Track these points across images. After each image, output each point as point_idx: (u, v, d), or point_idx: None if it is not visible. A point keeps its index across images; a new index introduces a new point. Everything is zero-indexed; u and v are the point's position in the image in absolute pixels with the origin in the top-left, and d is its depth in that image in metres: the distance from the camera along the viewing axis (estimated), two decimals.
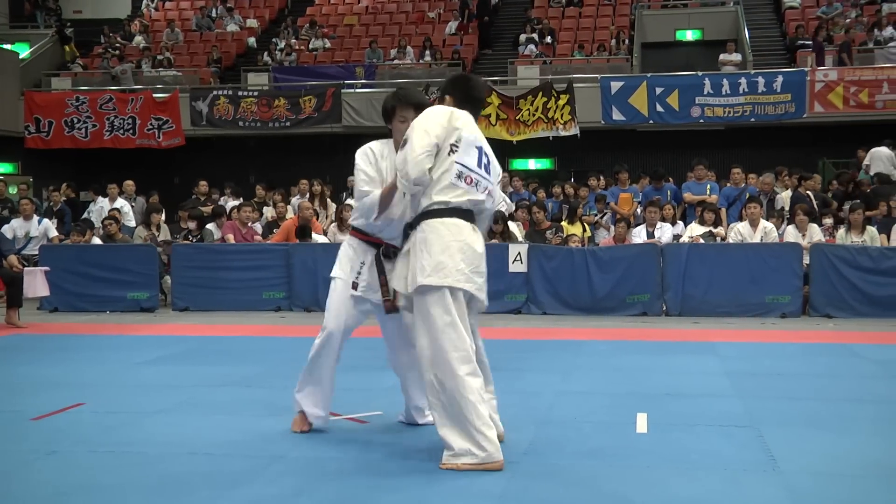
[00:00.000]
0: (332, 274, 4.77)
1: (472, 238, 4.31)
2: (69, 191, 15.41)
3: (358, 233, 4.76)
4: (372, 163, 4.68)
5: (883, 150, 14.09)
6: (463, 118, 4.40)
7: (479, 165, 4.38)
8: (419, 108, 4.59)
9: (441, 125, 4.29)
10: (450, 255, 4.22)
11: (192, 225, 11.96)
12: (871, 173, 13.66)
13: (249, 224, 11.81)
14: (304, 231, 11.11)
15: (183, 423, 5.14)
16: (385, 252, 4.64)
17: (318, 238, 11.15)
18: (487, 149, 4.46)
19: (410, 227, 4.39)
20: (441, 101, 4.57)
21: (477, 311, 4.45)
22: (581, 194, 13.19)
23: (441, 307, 4.20)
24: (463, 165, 4.31)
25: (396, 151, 4.61)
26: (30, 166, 19.86)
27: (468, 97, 4.56)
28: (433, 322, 4.20)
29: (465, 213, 4.33)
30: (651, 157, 17.99)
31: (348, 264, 4.74)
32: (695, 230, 11.03)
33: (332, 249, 10.12)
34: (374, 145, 4.76)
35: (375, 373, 6.13)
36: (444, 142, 4.28)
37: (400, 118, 4.65)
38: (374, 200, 4.56)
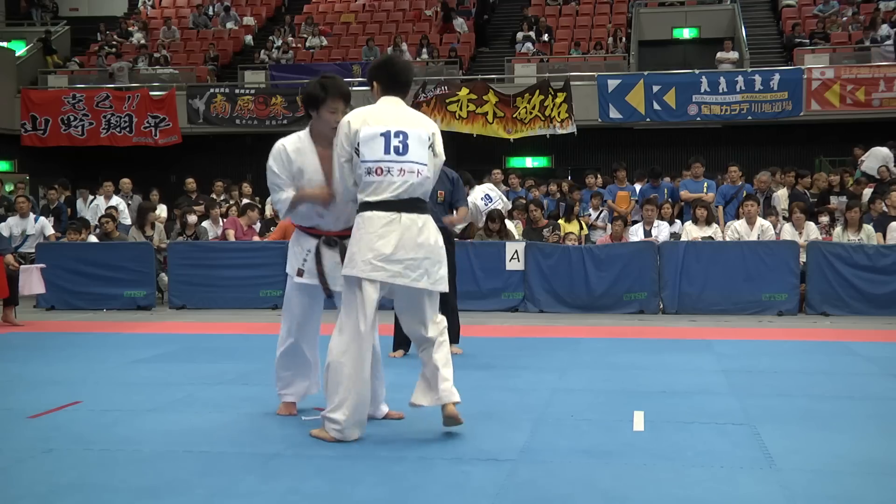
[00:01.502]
0: (286, 271, 4.96)
1: (387, 229, 4.40)
2: (63, 190, 15.38)
3: (296, 226, 4.95)
4: (283, 162, 4.75)
5: (881, 150, 14.12)
6: (363, 115, 4.51)
7: (388, 151, 4.44)
8: (347, 99, 4.72)
9: (342, 143, 4.50)
10: (358, 247, 4.41)
11: (192, 219, 11.96)
12: (863, 170, 13.72)
13: (253, 226, 11.87)
14: None
15: (179, 421, 5.14)
16: (326, 241, 4.79)
17: None
18: (402, 128, 4.49)
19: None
20: (372, 90, 4.70)
21: (423, 296, 4.55)
22: (574, 196, 13.16)
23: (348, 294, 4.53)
24: (369, 161, 4.43)
25: (322, 142, 4.74)
26: (26, 164, 19.85)
27: (394, 82, 4.65)
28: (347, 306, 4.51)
29: (390, 204, 4.42)
30: (648, 155, 18.02)
31: (293, 257, 4.89)
32: (691, 231, 11.01)
33: None
34: (288, 143, 4.79)
35: None
36: (352, 151, 4.47)
37: (331, 108, 4.69)
38: (281, 201, 4.77)
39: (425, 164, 4.51)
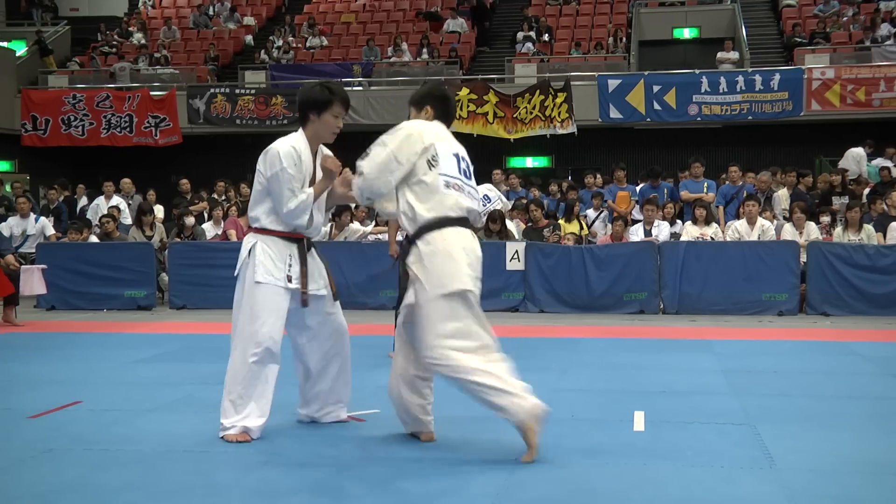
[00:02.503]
0: (258, 279, 4.59)
1: (474, 244, 4.47)
2: (62, 190, 15.39)
3: (271, 231, 4.69)
4: (298, 165, 4.65)
5: (856, 150, 14.22)
6: (433, 131, 4.50)
7: (460, 172, 4.49)
8: (348, 107, 4.76)
9: (415, 152, 4.38)
10: (457, 262, 4.35)
11: (190, 220, 11.94)
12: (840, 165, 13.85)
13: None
14: None
15: (179, 421, 5.14)
16: (309, 245, 4.78)
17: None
18: (464, 154, 4.60)
19: (410, 241, 4.45)
20: (419, 109, 4.64)
21: None
22: (571, 195, 13.13)
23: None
24: (448, 175, 4.42)
25: (315, 146, 4.72)
26: (27, 164, 19.84)
27: (446, 114, 4.71)
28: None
29: (465, 221, 4.46)
30: (648, 155, 18.01)
31: (272, 264, 4.64)
32: (691, 231, 11.01)
33: (329, 247, 10.16)
34: (296, 143, 4.68)
35: (370, 371, 6.14)
36: (418, 162, 4.38)
37: (335, 113, 4.69)
38: (302, 204, 4.62)
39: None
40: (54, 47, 22.31)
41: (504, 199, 11.90)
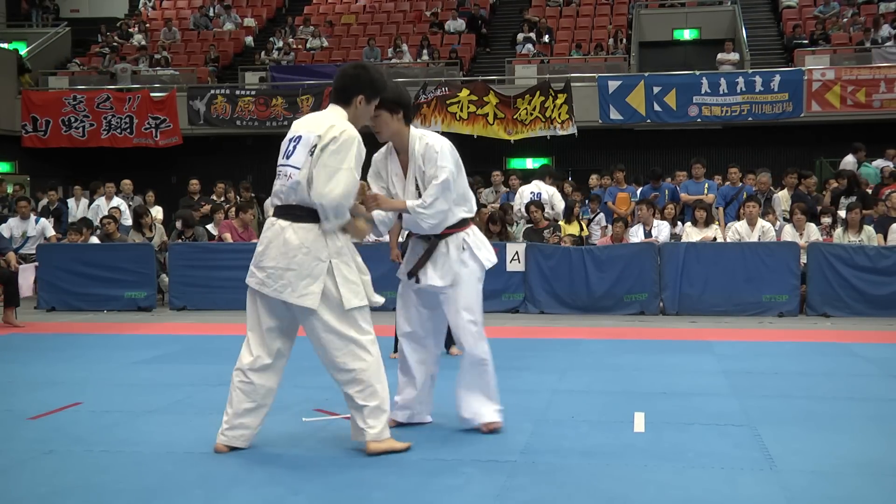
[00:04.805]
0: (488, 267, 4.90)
1: (262, 236, 4.43)
2: (57, 193, 15.40)
3: (469, 221, 4.89)
4: None
5: (847, 159, 14.31)
6: (294, 127, 4.44)
7: (282, 155, 4.36)
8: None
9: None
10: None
11: (178, 224, 11.93)
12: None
13: (250, 227, 11.83)
14: None
15: (179, 423, 5.14)
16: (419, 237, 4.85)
17: None
18: (301, 132, 4.31)
19: None
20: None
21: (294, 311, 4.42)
22: (575, 196, 13.13)
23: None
24: (279, 166, 4.38)
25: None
26: (27, 165, 19.85)
27: (336, 95, 4.54)
28: None
29: (279, 210, 4.37)
30: (648, 157, 18.01)
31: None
32: (691, 234, 11.00)
33: None
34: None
35: None
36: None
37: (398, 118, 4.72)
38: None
39: (298, 168, 4.25)
40: (54, 48, 22.33)
41: (556, 201, 11.80)
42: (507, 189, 13.70)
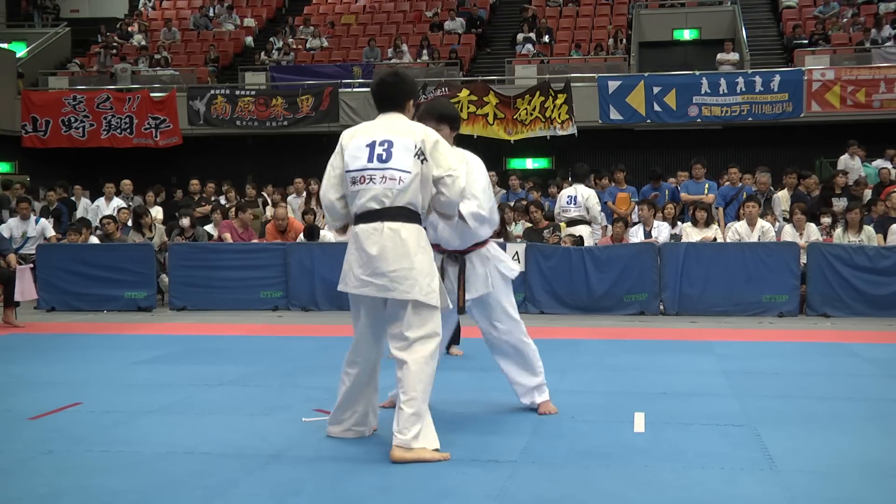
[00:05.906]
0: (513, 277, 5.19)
1: (367, 242, 4.37)
2: (62, 192, 15.39)
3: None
4: None
5: (842, 158, 14.33)
6: (351, 132, 4.55)
7: (372, 160, 4.40)
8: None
9: (333, 163, 4.55)
10: (348, 263, 4.47)
11: (185, 222, 11.93)
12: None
13: (250, 227, 11.84)
14: (311, 233, 11.09)
15: (179, 423, 5.14)
16: (450, 257, 5.02)
17: (327, 236, 10.96)
18: (388, 137, 4.41)
19: None
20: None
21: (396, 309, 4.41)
22: (551, 193, 13.06)
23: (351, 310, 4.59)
24: (353, 170, 4.42)
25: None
26: (27, 165, 19.85)
27: (379, 102, 4.66)
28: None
29: (367, 216, 4.39)
30: (649, 157, 18.02)
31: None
32: (691, 234, 10.99)
33: (330, 249, 10.14)
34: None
35: None
36: (340, 169, 4.51)
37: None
38: None
39: (408, 172, 4.37)
40: (54, 48, 22.34)
41: (591, 203, 11.64)
42: (505, 190, 13.71)
